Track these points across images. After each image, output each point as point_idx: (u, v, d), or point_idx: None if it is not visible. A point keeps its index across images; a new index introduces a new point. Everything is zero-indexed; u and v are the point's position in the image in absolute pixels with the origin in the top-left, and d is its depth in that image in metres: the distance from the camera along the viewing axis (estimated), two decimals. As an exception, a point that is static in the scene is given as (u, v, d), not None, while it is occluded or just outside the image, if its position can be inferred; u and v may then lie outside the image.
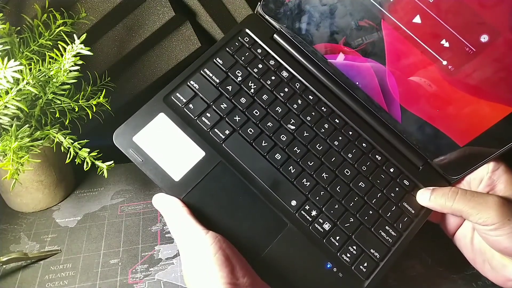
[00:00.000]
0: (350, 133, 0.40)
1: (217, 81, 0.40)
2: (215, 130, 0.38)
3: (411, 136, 0.40)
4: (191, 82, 0.40)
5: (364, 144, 0.40)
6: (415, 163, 0.40)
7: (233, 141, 0.38)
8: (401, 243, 0.37)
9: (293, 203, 0.37)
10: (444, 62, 0.33)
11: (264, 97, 0.40)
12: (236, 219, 0.35)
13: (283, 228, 0.36)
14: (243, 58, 0.41)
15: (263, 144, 0.38)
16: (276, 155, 0.38)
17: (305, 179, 0.38)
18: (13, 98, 0.39)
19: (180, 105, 0.39)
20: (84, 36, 0.41)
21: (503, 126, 0.34)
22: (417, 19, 0.32)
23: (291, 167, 0.38)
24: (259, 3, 0.43)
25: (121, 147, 0.37)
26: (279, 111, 0.40)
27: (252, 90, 0.40)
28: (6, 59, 0.36)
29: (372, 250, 0.36)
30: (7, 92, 0.39)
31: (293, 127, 0.39)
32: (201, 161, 0.37)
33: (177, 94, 0.39)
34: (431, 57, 0.33)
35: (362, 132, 0.41)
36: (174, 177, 0.36)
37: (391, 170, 0.40)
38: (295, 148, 0.39)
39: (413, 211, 0.38)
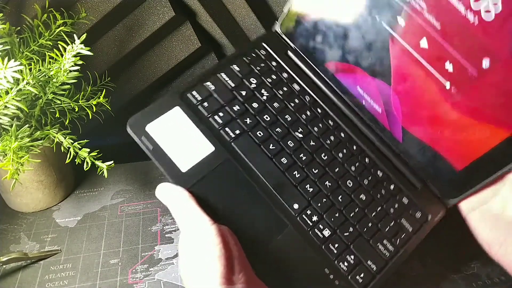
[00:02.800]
0: (354, 147, 0.42)
1: (232, 85, 0.41)
2: (226, 129, 0.39)
3: (411, 156, 0.40)
4: (208, 83, 0.41)
5: (366, 160, 0.41)
6: (414, 183, 0.41)
7: (242, 141, 0.39)
8: (398, 258, 0.38)
9: (295, 206, 0.37)
10: (448, 85, 0.33)
11: (275, 104, 0.41)
12: (238, 215, 0.35)
13: (283, 229, 0.36)
14: (258, 68, 0.43)
15: (270, 147, 0.39)
16: (283, 159, 0.39)
17: (308, 185, 0.38)
18: (13, 98, 0.39)
19: (195, 102, 0.40)
20: (84, 36, 0.41)
21: (499, 151, 0.34)
22: (424, 43, 0.33)
23: (296, 172, 0.38)
24: (276, 22, 0.45)
25: (134, 134, 0.37)
26: (288, 119, 0.41)
27: (264, 97, 0.41)
28: (6, 59, 0.36)
29: (369, 262, 0.37)
30: (7, 92, 0.39)
31: (300, 135, 0.40)
32: (209, 155, 0.37)
33: (193, 92, 0.40)
34: (435, 79, 0.34)
35: (365, 148, 0.42)
36: (181, 167, 0.36)
37: (391, 187, 0.40)
38: (301, 155, 0.39)
39: (411, 229, 0.39)
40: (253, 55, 0.44)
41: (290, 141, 0.40)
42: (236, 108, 0.40)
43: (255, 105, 0.41)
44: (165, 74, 0.58)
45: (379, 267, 0.37)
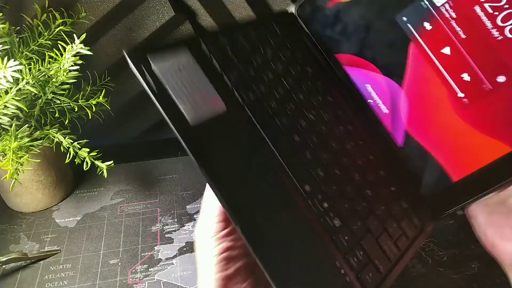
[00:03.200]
0: (361, 142, 0.40)
1: (249, 48, 0.38)
2: (240, 91, 0.35)
3: (409, 162, 0.40)
4: (225, 38, 0.36)
5: (371, 156, 0.40)
6: (410, 189, 0.40)
7: (256, 108, 0.35)
8: (402, 262, 0.36)
9: (307, 188, 0.34)
10: (461, 95, 0.35)
11: (289, 80, 0.39)
12: (245, 184, 0.32)
13: (293, 210, 0.33)
14: (274, 40, 0.40)
15: (283, 121, 0.36)
16: (295, 136, 0.36)
17: (319, 169, 0.36)
18: (12, 98, 0.39)
19: (208, 53, 0.35)
20: (84, 35, 0.41)
21: (498, 165, 0.35)
22: (446, 50, 0.35)
23: (308, 153, 0.36)
24: (295, 4, 0.44)
25: (132, 62, 0.30)
26: (302, 98, 0.39)
27: (279, 71, 0.39)
28: (6, 58, 0.36)
29: (377, 262, 0.35)
30: (6, 92, 0.39)
31: (312, 117, 0.38)
32: (221, 115, 0.33)
33: (207, 42, 0.35)
34: (450, 87, 0.35)
35: (370, 146, 0.41)
36: (189, 120, 0.31)
37: (392, 188, 0.39)
38: (313, 137, 0.37)
39: (411, 234, 0.38)
40: (271, 28, 0.41)
41: (303, 121, 0.37)
42: (251, 72, 0.36)
43: (270, 75, 0.38)
44: (165, 74, 0.58)
45: (387, 269, 0.35)
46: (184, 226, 0.50)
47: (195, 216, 0.52)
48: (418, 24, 0.36)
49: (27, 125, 0.43)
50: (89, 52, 0.41)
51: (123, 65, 0.57)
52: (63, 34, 0.45)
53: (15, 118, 0.43)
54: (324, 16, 0.42)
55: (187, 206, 0.53)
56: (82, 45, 0.41)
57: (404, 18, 0.37)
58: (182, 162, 0.61)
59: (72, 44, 0.41)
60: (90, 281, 0.44)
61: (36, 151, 0.44)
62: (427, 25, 0.35)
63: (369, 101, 0.41)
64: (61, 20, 0.45)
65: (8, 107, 0.39)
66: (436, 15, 0.35)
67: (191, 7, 0.55)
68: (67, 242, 0.48)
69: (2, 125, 0.42)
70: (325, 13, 0.42)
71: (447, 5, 0.34)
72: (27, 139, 0.41)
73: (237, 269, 0.31)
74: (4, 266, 0.44)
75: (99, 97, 0.45)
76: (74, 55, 0.41)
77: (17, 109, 0.41)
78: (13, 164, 0.39)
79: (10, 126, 0.41)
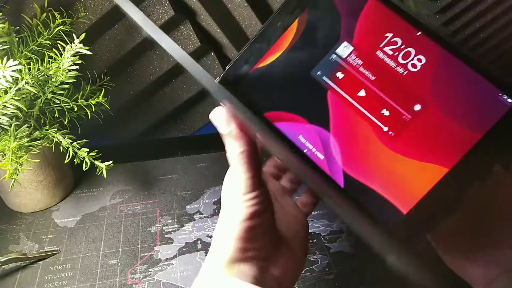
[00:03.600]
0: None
1: None
2: None
3: (356, 202, 0.41)
4: None
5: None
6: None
7: None
8: None
9: None
10: (385, 129, 0.38)
11: None
12: None
13: None
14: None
15: None
16: None
17: None
18: (12, 98, 0.39)
19: None
20: (83, 35, 0.41)
21: (442, 188, 0.36)
22: (361, 93, 0.39)
23: None
24: (219, 76, 0.45)
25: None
26: None
27: None
28: (5, 58, 0.36)
29: None
30: (6, 92, 0.39)
31: None
32: None
33: None
34: (374, 124, 0.39)
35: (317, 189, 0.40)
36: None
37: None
38: None
39: None
40: None
41: None
42: None
43: None
44: (164, 74, 0.58)
45: None
46: (183, 226, 0.50)
47: (194, 216, 0.52)
48: (331, 75, 0.41)
49: (26, 125, 0.43)
50: (88, 52, 0.41)
51: (122, 65, 0.57)
52: (63, 34, 0.45)
53: (14, 118, 0.43)
54: (249, 82, 0.45)
55: (186, 206, 0.53)
56: (81, 45, 0.40)
57: (319, 72, 0.41)
58: (181, 162, 0.61)
59: (71, 43, 0.41)
60: (90, 282, 0.43)
61: (35, 151, 0.44)
62: (340, 75, 0.40)
63: (304, 150, 0.43)
64: (61, 20, 0.45)
65: (7, 107, 0.39)
66: (345, 65, 0.40)
67: (191, 7, 0.55)
68: (66, 242, 0.48)
69: (1, 125, 0.42)
70: (250, 78, 0.45)
71: (352, 55, 0.39)
72: (27, 139, 0.41)
73: (260, 223, 0.32)
74: (3, 267, 0.44)
75: (98, 97, 0.45)
76: (74, 55, 0.41)
77: (16, 109, 0.41)
78: (13, 164, 0.39)
79: (10, 126, 0.41)
